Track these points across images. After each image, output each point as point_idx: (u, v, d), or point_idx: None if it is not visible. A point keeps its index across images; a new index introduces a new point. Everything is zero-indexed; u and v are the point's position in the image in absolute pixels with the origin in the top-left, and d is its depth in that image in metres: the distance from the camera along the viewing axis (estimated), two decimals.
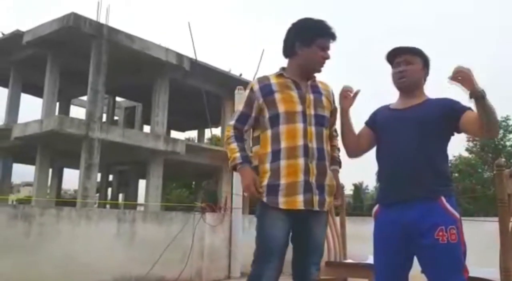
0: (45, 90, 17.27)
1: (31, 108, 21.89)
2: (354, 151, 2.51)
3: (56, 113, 18.89)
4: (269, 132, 2.39)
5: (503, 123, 35.59)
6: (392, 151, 2.29)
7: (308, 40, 2.43)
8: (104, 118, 21.13)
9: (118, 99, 24.08)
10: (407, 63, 2.36)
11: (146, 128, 22.74)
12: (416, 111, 2.28)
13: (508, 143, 36.36)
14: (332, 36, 2.46)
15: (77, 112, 22.87)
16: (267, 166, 2.35)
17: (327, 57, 2.46)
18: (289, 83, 2.43)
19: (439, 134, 2.25)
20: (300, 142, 2.33)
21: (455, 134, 2.29)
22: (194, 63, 18.68)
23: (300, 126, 2.35)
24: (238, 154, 2.40)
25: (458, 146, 36.08)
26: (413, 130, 2.24)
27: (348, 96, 2.48)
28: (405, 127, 2.27)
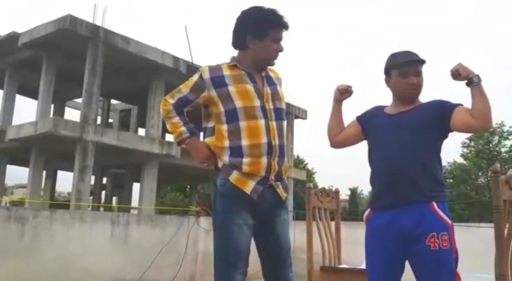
0: (40, 92, 17.21)
1: (26, 110, 21.80)
2: (336, 140, 2.53)
3: (51, 115, 18.82)
4: (225, 126, 2.25)
5: (498, 129, 35.80)
6: (387, 155, 2.28)
7: (261, 33, 2.28)
8: (99, 121, 21.07)
9: (113, 101, 24.04)
10: (418, 74, 2.30)
11: (141, 131, 22.68)
12: (410, 117, 2.28)
13: (503, 149, 36.54)
14: (285, 27, 2.33)
15: (72, 114, 22.86)
16: (226, 159, 2.26)
17: (281, 50, 2.34)
18: (244, 76, 2.29)
19: (433, 139, 2.26)
20: (264, 139, 2.22)
21: (449, 135, 2.28)
22: (191, 66, 18.64)
23: (261, 122, 2.23)
24: (184, 128, 2.31)
25: (452, 152, 36.31)
26: (408, 135, 2.24)
27: (348, 91, 2.50)
28: (399, 132, 2.26)
